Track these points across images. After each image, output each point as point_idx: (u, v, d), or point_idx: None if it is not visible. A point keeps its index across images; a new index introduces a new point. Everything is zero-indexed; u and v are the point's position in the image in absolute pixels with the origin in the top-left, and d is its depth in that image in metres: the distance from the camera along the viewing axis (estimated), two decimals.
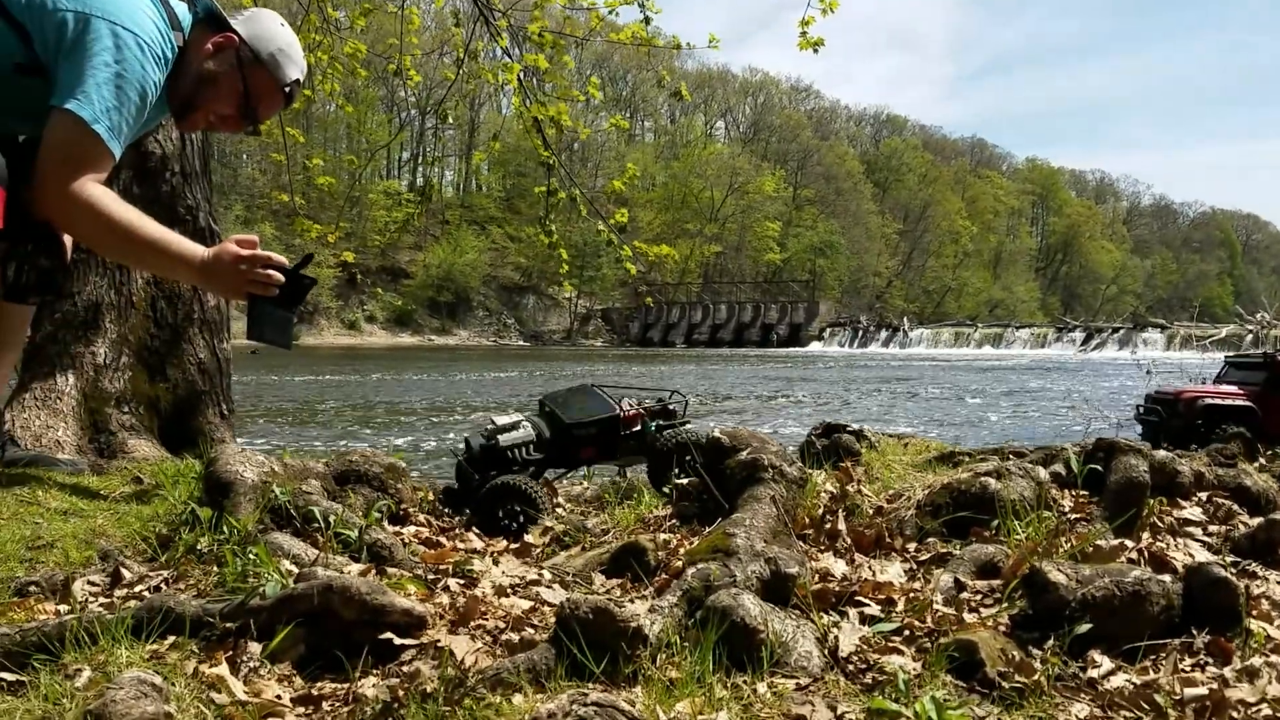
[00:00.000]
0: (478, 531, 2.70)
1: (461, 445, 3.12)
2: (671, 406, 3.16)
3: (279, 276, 2.40)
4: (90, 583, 2.04)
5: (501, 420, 2.98)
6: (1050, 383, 28.28)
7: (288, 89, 2.56)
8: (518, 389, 25.26)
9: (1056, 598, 1.62)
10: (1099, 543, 1.97)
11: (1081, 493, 2.37)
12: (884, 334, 60.50)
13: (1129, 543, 2.04)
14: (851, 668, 1.57)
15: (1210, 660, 1.58)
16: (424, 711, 1.37)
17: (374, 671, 1.60)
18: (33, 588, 2.00)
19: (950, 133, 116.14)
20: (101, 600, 1.96)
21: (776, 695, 1.46)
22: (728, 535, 1.92)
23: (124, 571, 2.07)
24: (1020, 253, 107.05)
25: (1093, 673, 1.52)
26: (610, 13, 5.46)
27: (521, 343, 64.02)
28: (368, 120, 61.47)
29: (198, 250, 2.37)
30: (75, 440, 3.14)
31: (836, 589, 1.85)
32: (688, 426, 3.12)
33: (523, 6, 5.80)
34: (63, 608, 1.91)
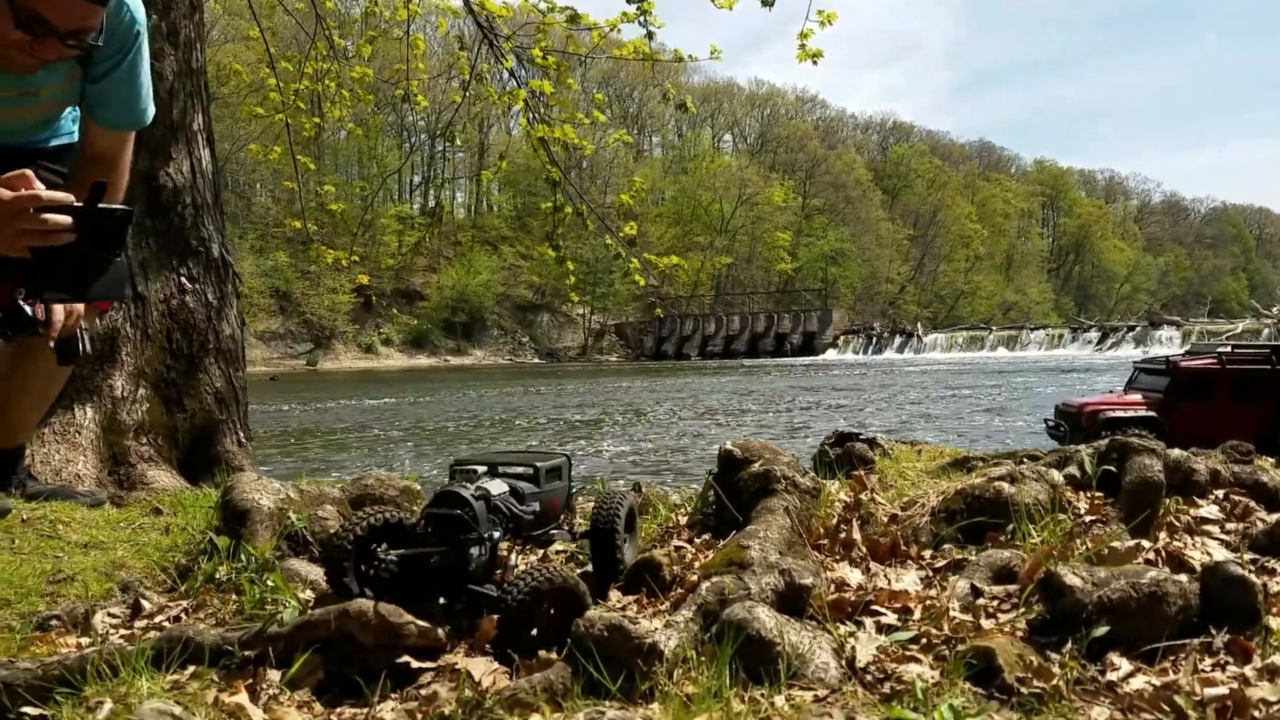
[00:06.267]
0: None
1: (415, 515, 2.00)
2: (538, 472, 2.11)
3: (63, 219, 2.01)
4: (111, 615, 2.06)
5: (479, 469, 2.03)
6: (1065, 384, 28.11)
7: None
8: (536, 404, 25.31)
9: (1073, 601, 1.61)
10: (1115, 544, 1.96)
11: (1097, 494, 2.35)
12: (898, 340, 60.32)
13: (1145, 543, 2.03)
14: (869, 678, 1.56)
15: (1230, 659, 1.57)
16: None
17: (392, 695, 1.60)
18: (54, 622, 2.01)
19: (957, 137, 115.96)
20: (122, 632, 1.98)
21: (794, 708, 1.46)
22: (742, 547, 1.93)
23: (144, 603, 2.09)
24: (1032, 254, 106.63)
25: (1111, 675, 1.51)
26: (612, 30, 5.51)
27: (537, 360, 64.17)
28: (378, 146, 61.92)
29: None
30: (94, 473, 3.18)
31: (852, 599, 1.84)
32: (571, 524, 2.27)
33: (527, 30, 5.85)
34: (84, 640, 1.93)
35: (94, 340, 2.86)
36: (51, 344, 2.52)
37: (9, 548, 2.36)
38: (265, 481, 2.37)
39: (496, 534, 1.89)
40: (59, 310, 2.41)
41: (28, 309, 2.37)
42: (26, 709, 1.60)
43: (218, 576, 2.15)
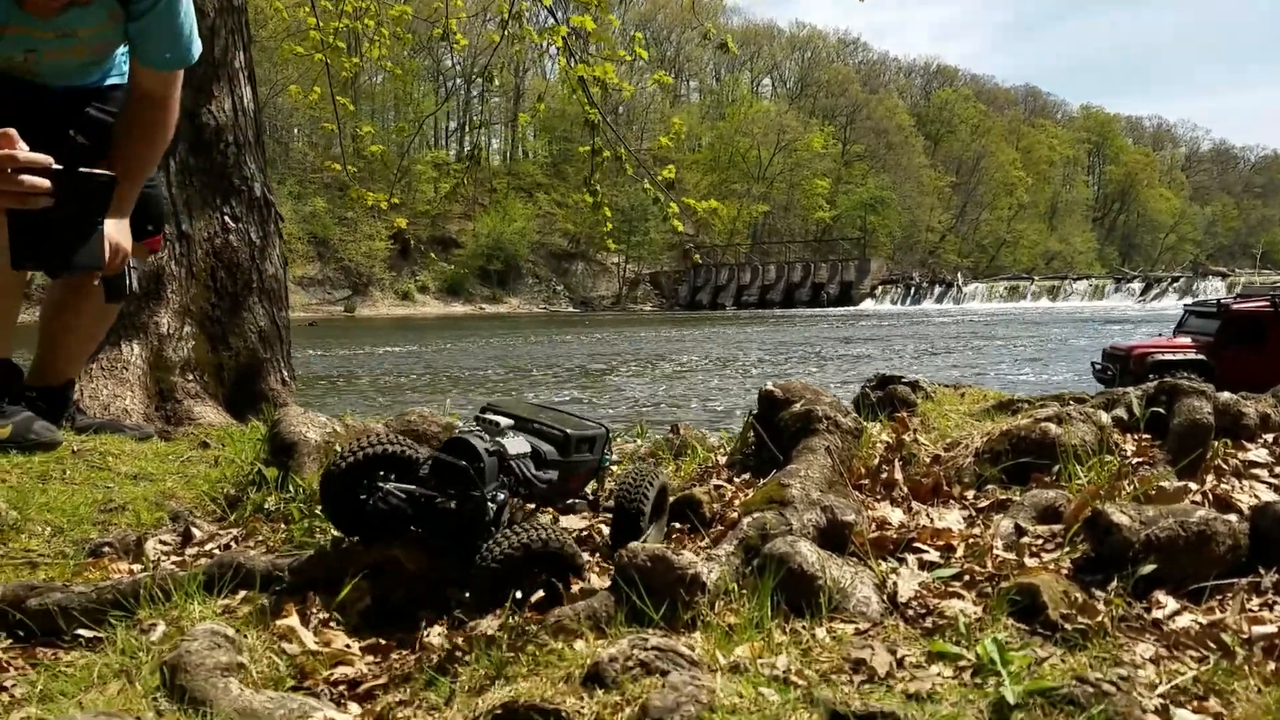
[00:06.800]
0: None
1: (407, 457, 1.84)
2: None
3: (41, 182, 1.92)
4: (162, 542, 2.11)
5: (504, 421, 1.88)
6: (1107, 336, 27.71)
7: None
8: (572, 352, 25.41)
9: (1120, 539, 1.60)
10: (1162, 485, 1.94)
11: (1144, 436, 2.32)
12: (937, 290, 59.64)
13: (1193, 485, 2.00)
14: (911, 612, 1.56)
15: (1278, 599, 1.55)
16: (488, 657, 1.40)
17: (439, 621, 1.63)
18: (106, 548, 2.07)
19: (1003, 82, 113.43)
20: (173, 559, 2.03)
21: (836, 640, 1.47)
22: (783, 485, 1.93)
23: (194, 531, 2.14)
24: (1076, 203, 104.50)
25: (1157, 613, 1.50)
26: None
27: (571, 309, 64.24)
28: (414, 90, 61.70)
29: None
30: (142, 408, 3.24)
31: (894, 536, 1.84)
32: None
33: None
34: (136, 567, 1.98)
35: (142, 279, 2.89)
36: (97, 282, 2.56)
37: (61, 478, 2.42)
38: (312, 415, 2.40)
39: (502, 495, 1.72)
40: (106, 250, 2.44)
41: None
42: (82, 631, 1.65)
43: (266, 506, 2.19)
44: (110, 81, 2.76)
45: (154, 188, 2.85)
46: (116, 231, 2.51)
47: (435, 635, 1.56)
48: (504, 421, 1.86)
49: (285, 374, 3.74)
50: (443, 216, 64.70)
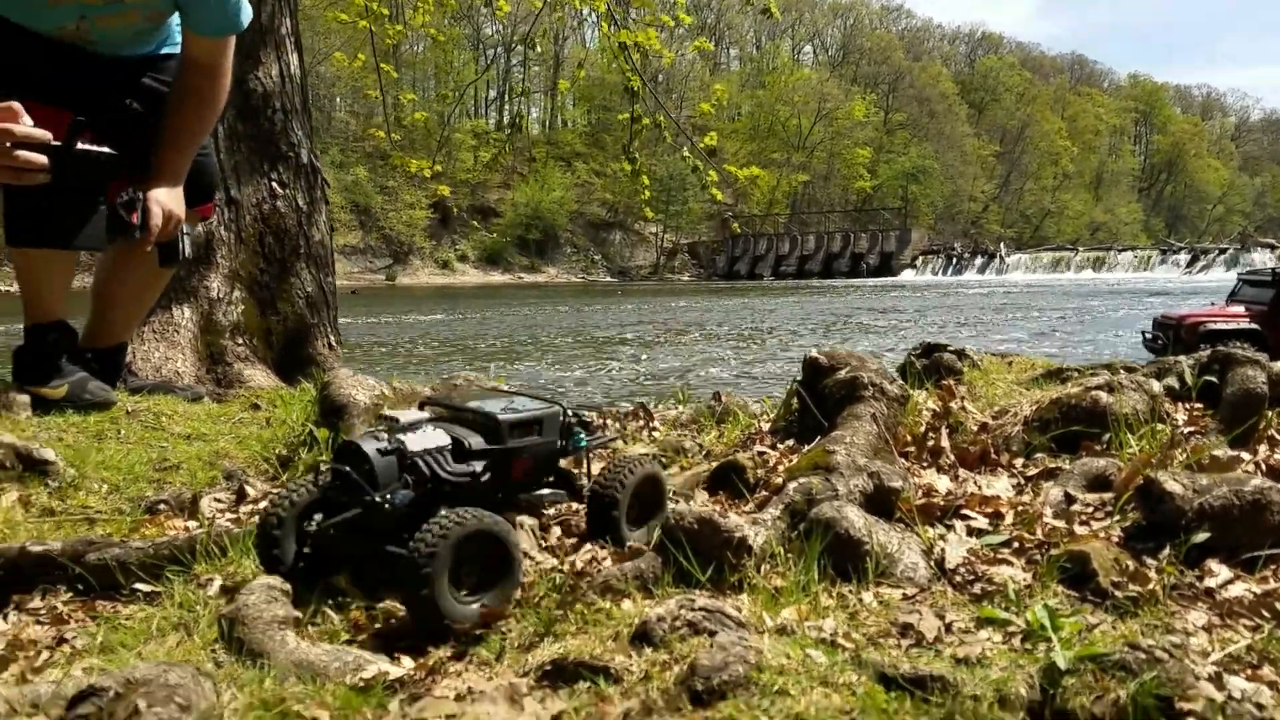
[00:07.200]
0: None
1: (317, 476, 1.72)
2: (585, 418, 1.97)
3: (38, 158, 1.90)
4: (216, 500, 2.15)
5: (405, 417, 1.73)
6: (1153, 308, 27.22)
7: None
8: (610, 321, 25.44)
9: (1173, 507, 1.58)
10: (1215, 454, 1.91)
11: (1196, 405, 2.29)
12: (979, 260, 58.78)
13: (1246, 455, 1.97)
14: (959, 579, 1.56)
15: None
16: (537, 615, 1.42)
17: None
18: (162, 505, 2.11)
19: (1049, 50, 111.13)
20: (228, 516, 2.07)
21: (882, 604, 1.47)
22: (828, 452, 1.92)
23: (248, 489, 2.18)
24: (1122, 173, 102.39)
25: (1210, 582, 1.49)
26: None
27: (609, 279, 64.21)
28: (454, 59, 61.64)
29: None
30: (193, 370, 3.30)
31: (941, 503, 1.83)
32: (615, 443, 2.34)
33: None
34: (191, 524, 2.02)
35: (195, 244, 2.93)
36: (150, 248, 2.60)
37: (116, 437, 2.48)
38: (361, 378, 2.44)
39: (402, 494, 1.57)
40: (157, 215, 2.48)
41: (125, 215, 2.44)
42: (139, 585, 1.69)
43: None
44: (165, 51, 2.79)
45: (206, 156, 2.88)
46: (170, 198, 2.55)
47: None
48: (408, 416, 1.71)
49: (331, 339, 3.78)
50: (482, 186, 64.85)
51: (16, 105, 1.93)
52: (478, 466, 1.68)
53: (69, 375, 2.71)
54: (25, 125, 1.90)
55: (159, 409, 2.72)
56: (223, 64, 2.65)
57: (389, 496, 1.55)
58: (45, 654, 1.49)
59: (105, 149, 2.01)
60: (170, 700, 1.10)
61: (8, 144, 1.88)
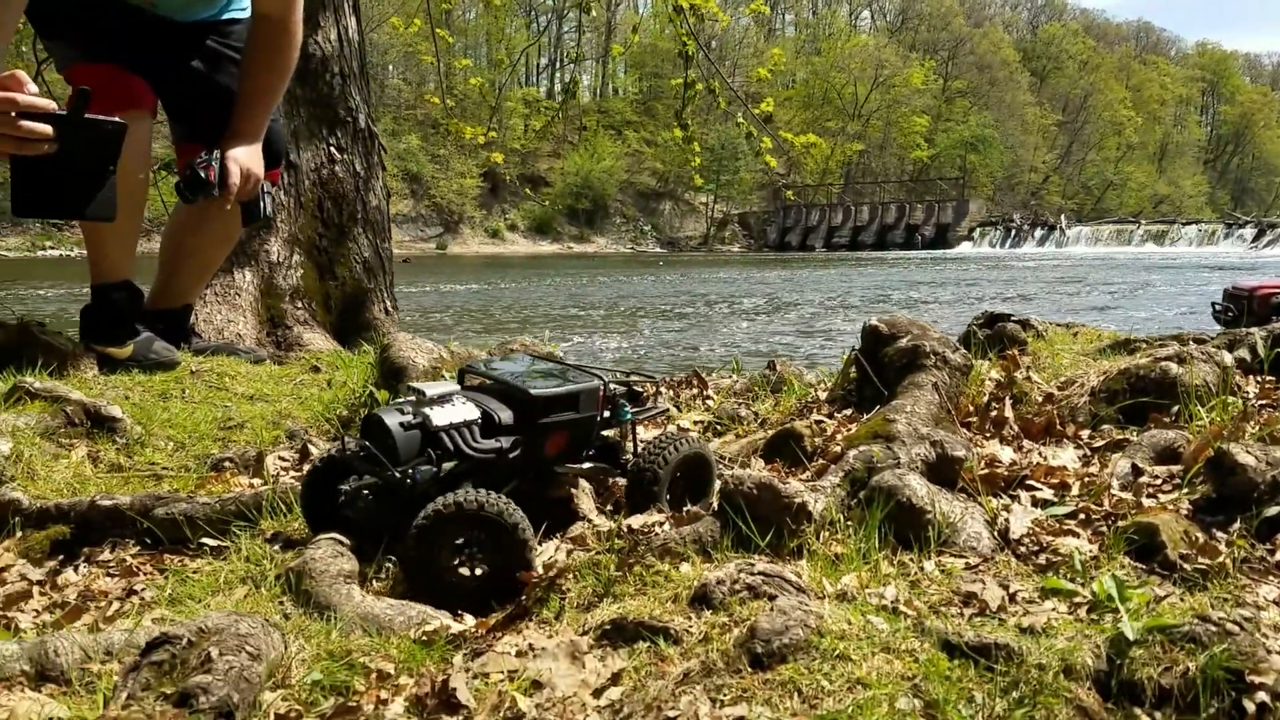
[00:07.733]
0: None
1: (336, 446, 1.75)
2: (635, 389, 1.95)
3: (42, 128, 1.86)
4: (280, 458, 2.19)
5: (432, 389, 1.68)
6: (1217, 283, 26.49)
7: None
8: (663, 291, 25.41)
9: (1244, 480, 1.54)
10: None
11: (1268, 379, 2.22)
12: (1039, 233, 57.64)
13: None
14: (1023, 549, 1.53)
15: None
16: (596, 576, 1.42)
17: (552, 538, 1.66)
18: (227, 463, 2.15)
19: (1114, 17, 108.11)
20: (291, 474, 2.11)
21: (945, 573, 1.45)
22: (888, 420, 1.90)
23: (311, 448, 2.21)
24: (1188, 144, 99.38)
25: None
26: None
27: (658, 249, 64.00)
28: (505, 25, 61.53)
29: None
30: (254, 333, 3.35)
31: (1005, 474, 1.80)
32: (666, 413, 2.27)
33: None
34: (256, 481, 2.06)
35: (276, 203, 2.93)
36: (229, 206, 2.63)
37: (181, 397, 2.53)
38: (420, 341, 2.46)
39: (423, 469, 1.55)
40: (235, 173, 2.51)
41: (203, 173, 2.48)
42: (206, 540, 1.73)
43: None
44: (229, 15, 2.81)
45: (275, 120, 2.90)
46: (248, 156, 2.57)
47: (545, 552, 1.59)
48: (435, 389, 1.66)
49: (388, 304, 3.82)
50: (532, 155, 64.86)
51: (21, 74, 1.88)
52: (506, 442, 1.64)
53: (135, 335, 2.77)
54: (30, 94, 1.86)
55: (222, 370, 2.78)
56: (293, 17, 2.66)
57: (409, 471, 1.54)
58: (115, 604, 1.53)
59: (114, 118, 1.98)
60: (241, 649, 1.12)
61: (12, 113, 1.84)
